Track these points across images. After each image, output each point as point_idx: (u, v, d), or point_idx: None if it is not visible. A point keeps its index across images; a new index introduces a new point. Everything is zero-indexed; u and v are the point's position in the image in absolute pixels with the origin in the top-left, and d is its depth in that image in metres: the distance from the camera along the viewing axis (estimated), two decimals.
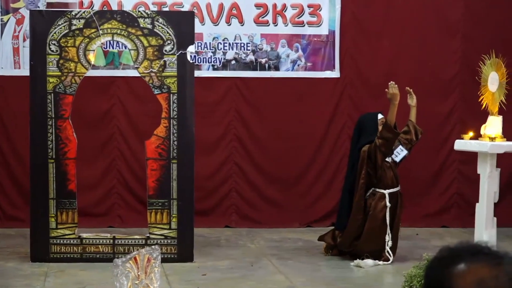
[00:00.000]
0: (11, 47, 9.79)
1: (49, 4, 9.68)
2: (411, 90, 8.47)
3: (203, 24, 9.98)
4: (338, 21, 10.12)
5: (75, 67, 8.09)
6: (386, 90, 8.20)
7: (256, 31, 10.11)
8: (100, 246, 8.16)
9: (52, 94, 8.06)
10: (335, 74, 10.19)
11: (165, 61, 8.13)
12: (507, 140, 8.23)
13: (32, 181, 8.17)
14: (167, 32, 8.11)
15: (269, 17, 10.09)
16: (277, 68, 10.18)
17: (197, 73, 9.01)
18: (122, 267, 5.27)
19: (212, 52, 10.07)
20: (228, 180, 10.18)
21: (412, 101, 8.49)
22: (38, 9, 9.40)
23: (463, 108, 10.18)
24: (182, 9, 9.83)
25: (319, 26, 10.14)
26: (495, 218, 8.25)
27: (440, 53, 10.25)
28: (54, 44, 8.05)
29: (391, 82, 8.22)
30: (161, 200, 8.18)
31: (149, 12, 8.37)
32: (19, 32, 9.80)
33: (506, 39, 10.09)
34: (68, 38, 8.07)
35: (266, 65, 10.16)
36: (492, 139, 8.13)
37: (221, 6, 10.03)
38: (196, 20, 9.29)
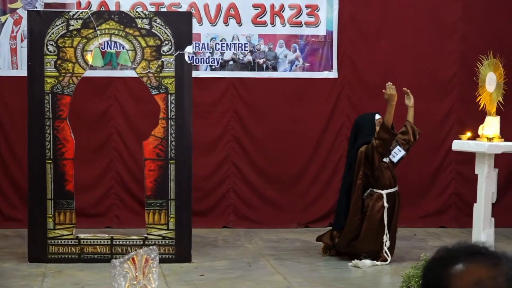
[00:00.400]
0: (8, 47, 9.79)
1: (46, 5, 9.67)
2: (409, 90, 8.48)
3: (201, 25, 9.98)
4: (336, 21, 10.12)
5: (73, 68, 8.08)
6: (384, 90, 8.20)
7: (254, 31, 10.10)
8: (98, 246, 8.15)
9: (50, 95, 8.05)
10: (333, 74, 10.19)
11: (163, 62, 8.13)
12: (505, 140, 8.23)
13: (30, 182, 8.16)
14: (165, 33, 8.10)
15: (267, 18, 10.09)
16: (275, 69, 10.17)
17: (195, 74, 9.01)
18: (120, 268, 5.26)
19: (209, 52, 10.07)
20: (226, 181, 10.17)
21: (410, 101, 8.49)
22: (35, 9, 9.39)
23: (461, 109, 10.18)
24: (180, 10, 9.83)
25: (317, 26, 10.14)
26: (493, 219, 8.25)
27: (438, 54, 10.25)
28: (52, 44, 8.05)
29: (389, 83, 8.21)
30: (159, 200, 8.18)
31: (146, 13, 8.36)
32: (16, 32, 9.79)
33: (504, 40, 10.10)
34: (66, 38, 8.06)
35: (264, 65, 10.16)
36: (490, 139, 8.14)
37: (219, 7, 10.02)
38: (194, 21, 9.29)
